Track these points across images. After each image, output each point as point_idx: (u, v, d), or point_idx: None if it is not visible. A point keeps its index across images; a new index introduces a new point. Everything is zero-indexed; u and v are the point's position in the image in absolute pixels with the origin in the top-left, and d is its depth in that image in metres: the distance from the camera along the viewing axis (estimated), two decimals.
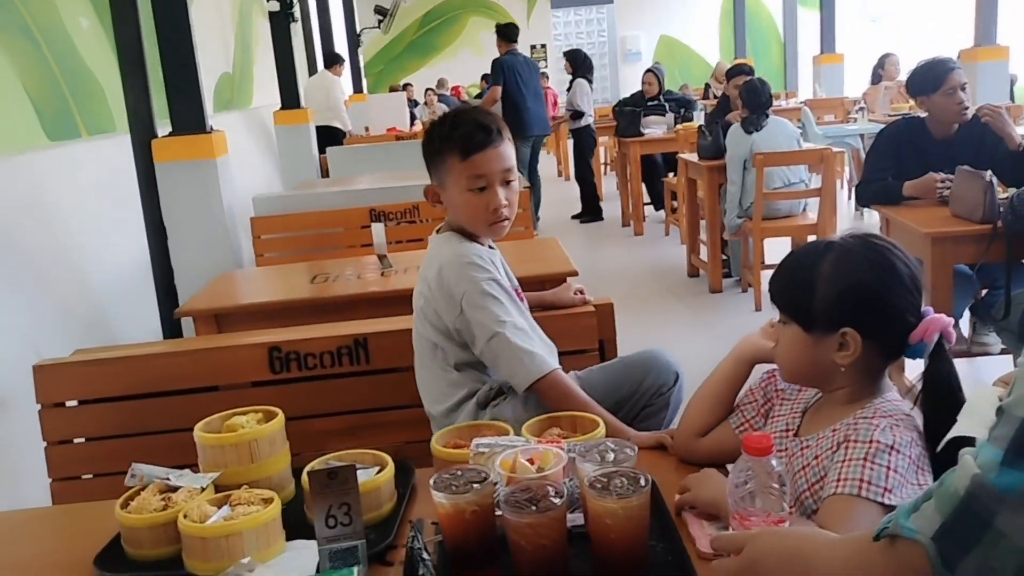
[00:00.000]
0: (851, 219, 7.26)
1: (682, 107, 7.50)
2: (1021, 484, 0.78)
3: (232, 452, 1.42)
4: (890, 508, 1.15)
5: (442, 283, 1.85)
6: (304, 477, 1.37)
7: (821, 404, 1.37)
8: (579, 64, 8.23)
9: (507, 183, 1.87)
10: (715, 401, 1.52)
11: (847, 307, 1.27)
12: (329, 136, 8.18)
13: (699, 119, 7.05)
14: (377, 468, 1.44)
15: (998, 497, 0.79)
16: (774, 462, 1.07)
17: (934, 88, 3.36)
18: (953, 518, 0.81)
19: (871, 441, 1.21)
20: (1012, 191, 2.94)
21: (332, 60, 9.25)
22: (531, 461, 1.26)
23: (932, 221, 3.08)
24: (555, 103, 11.16)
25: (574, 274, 2.73)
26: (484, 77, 11.89)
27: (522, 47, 7.85)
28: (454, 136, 1.84)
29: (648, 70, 7.57)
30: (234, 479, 1.40)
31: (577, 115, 8.03)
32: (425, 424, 2.01)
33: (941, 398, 1.26)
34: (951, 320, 1.30)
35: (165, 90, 3.74)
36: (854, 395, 1.31)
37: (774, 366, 1.44)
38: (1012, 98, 7.22)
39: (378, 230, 3.13)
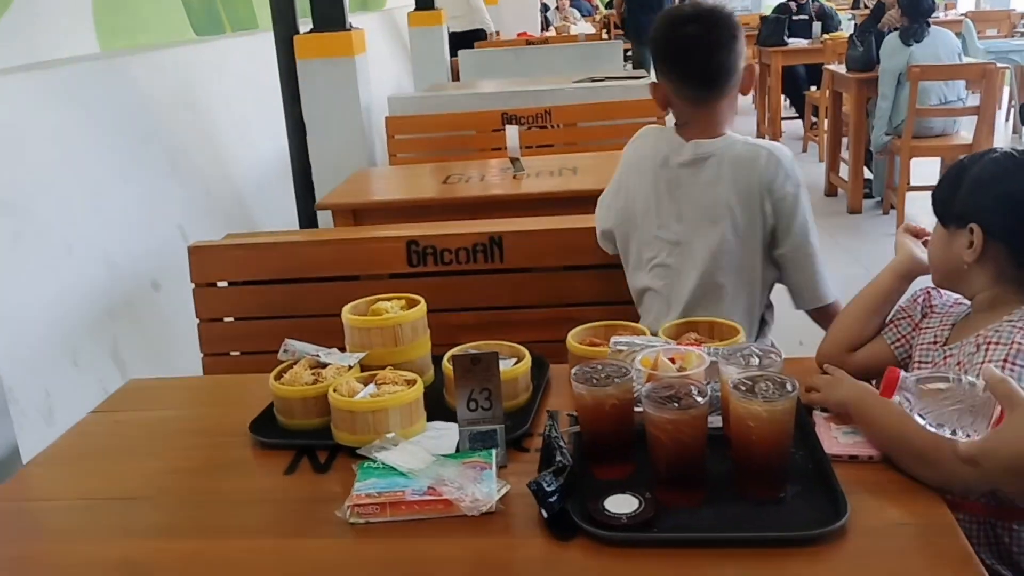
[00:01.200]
0: (1008, 141, 6.75)
1: (822, 19, 7.04)
2: None
3: (378, 335, 1.46)
4: None
5: (761, 181, 1.69)
6: (445, 363, 1.41)
7: (969, 316, 1.34)
8: None
9: None
10: (869, 314, 1.48)
11: (977, 202, 1.28)
12: (466, 43, 8.04)
13: (848, 28, 6.63)
14: (514, 360, 1.46)
15: None
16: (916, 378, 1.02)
17: None
18: None
19: (1012, 343, 1.19)
20: None
21: None
22: (672, 361, 1.25)
23: None
24: None
25: None
26: None
27: None
28: None
29: None
30: (379, 360, 1.45)
31: None
32: (556, 324, 2.01)
33: None
34: None
35: None
36: (998, 303, 1.28)
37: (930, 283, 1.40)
38: None
39: (512, 133, 3.12)
